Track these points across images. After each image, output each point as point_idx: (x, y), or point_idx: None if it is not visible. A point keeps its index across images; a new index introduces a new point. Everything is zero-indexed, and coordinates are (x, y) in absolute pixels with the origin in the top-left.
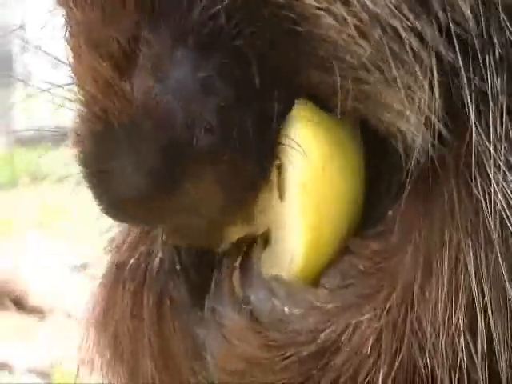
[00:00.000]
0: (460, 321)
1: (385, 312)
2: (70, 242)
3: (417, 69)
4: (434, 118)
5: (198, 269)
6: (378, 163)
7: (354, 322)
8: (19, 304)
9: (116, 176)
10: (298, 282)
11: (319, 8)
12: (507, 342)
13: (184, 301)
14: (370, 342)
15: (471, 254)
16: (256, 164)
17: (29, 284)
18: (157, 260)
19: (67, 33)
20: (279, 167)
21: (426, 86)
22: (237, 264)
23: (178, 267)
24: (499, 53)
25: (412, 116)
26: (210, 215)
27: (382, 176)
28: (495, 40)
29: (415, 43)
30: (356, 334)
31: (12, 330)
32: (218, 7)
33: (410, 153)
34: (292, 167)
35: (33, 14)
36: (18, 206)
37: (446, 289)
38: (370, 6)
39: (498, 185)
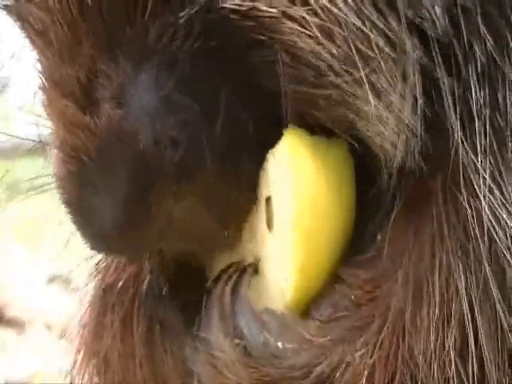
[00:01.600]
0: (451, 347)
1: (377, 346)
2: (49, 254)
3: (385, 68)
4: (411, 122)
5: (188, 292)
6: (366, 184)
7: (347, 358)
8: None
9: (95, 212)
10: (289, 314)
11: (276, 13)
12: (498, 365)
13: (174, 325)
14: (364, 377)
15: (462, 276)
16: (232, 175)
17: (8, 296)
18: (145, 283)
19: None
20: (268, 199)
21: (399, 88)
22: (227, 293)
23: (164, 291)
24: (481, 64)
25: (388, 120)
26: (193, 235)
27: (371, 197)
28: (476, 50)
29: (381, 41)
30: (349, 370)
31: None
32: (173, 28)
33: (390, 163)
34: (281, 200)
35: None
36: None
37: (436, 314)
38: (329, 5)
39: (484, 199)
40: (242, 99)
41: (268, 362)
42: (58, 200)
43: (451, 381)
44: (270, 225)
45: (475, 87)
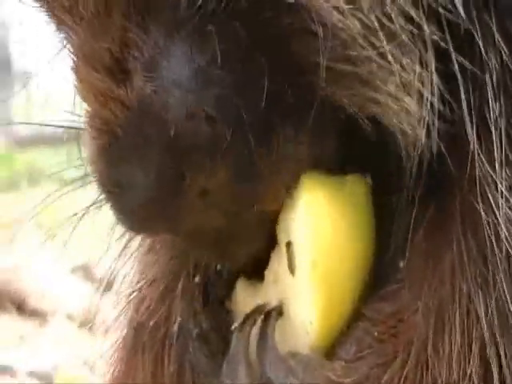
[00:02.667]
0: (474, 374)
1: (402, 381)
2: (71, 244)
3: (407, 46)
4: (433, 100)
5: (216, 334)
6: (386, 214)
7: None
8: (20, 307)
9: (128, 186)
10: (314, 356)
11: None
12: None
13: (203, 368)
14: None
15: (481, 304)
16: (265, 150)
17: (30, 287)
18: (176, 324)
19: (68, 50)
20: (288, 244)
21: (418, 69)
22: (253, 339)
23: (195, 332)
24: (496, 74)
25: (411, 101)
26: (225, 210)
27: (391, 224)
28: (492, 60)
29: (401, 20)
30: None
31: (13, 334)
32: None
33: (411, 150)
34: (301, 245)
35: (31, 12)
36: (18, 208)
37: (458, 343)
38: None
39: (501, 212)
40: (278, 71)
41: None
42: (80, 190)
43: None
44: (291, 269)
45: (491, 97)
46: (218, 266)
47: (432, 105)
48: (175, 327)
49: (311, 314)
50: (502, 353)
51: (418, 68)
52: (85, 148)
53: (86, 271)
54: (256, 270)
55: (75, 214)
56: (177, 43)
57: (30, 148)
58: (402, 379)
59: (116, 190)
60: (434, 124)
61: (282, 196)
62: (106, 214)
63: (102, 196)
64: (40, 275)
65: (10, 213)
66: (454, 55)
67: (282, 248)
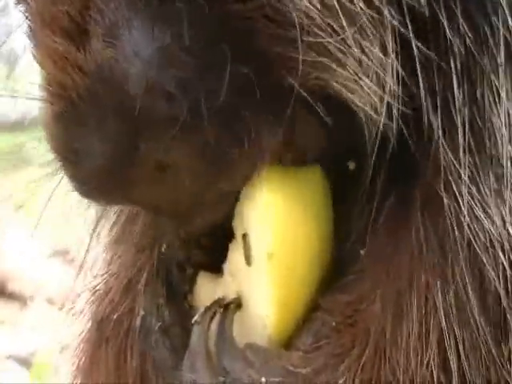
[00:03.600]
0: (432, 361)
1: (359, 370)
2: (51, 228)
3: (367, 29)
4: (392, 84)
5: (178, 327)
6: (348, 202)
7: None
8: (0, 291)
9: (83, 152)
10: (272, 348)
11: None
12: (482, 378)
13: (166, 361)
14: None
15: (439, 294)
16: (230, 137)
17: (10, 270)
18: (139, 318)
19: (25, 16)
20: (244, 236)
21: (380, 51)
22: (212, 331)
23: (158, 326)
24: (460, 59)
25: (370, 84)
26: (184, 186)
27: (352, 213)
28: (456, 47)
29: (361, 3)
30: None
31: None
32: None
33: (372, 131)
34: (256, 236)
35: None
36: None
37: (416, 332)
38: None
39: (463, 200)
40: (240, 57)
41: None
42: (61, 172)
43: None
44: (248, 260)
45: (455, 84)
46: (178, 258)
47: (391, 89)
48: (138, 321)
49: (268, 307)
50: (460, 342)
51: (378, 52)
52: (42, 116)
53: (65, 255)
54: (215, 264)
55: (55, 198)
56: (141, 15)
57: (13, 131)
58: (360, 368)
59: (71, 156)
60: (394, 107)
61: (242, 182)
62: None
63: (58, 164)
64: (20, 259)
65: None
66: (413, 41)
67: (238, 240)
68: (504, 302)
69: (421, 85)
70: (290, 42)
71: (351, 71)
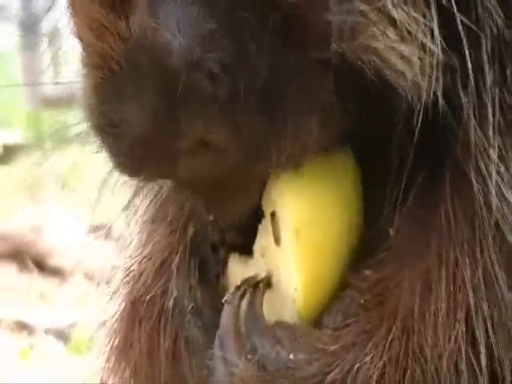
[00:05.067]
0: (460, 337)
1: (387, 347)
2: (91, 204)
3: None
4: (435, 50)
5: (210, 308)
6: (377, 183)
7: (357, 362)
8: (40, 266)
9: (121, 122)
10: (301, 324)
11: None
12: (510, 353)
13: (197, 341)
14: (374, 379)
15: (468, 270)
16: (271, 122)
17: (50, 246)
18: (172, 299)
19: None
20: (273, 214)
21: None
22: (241, 311)
23: (190, 306)
24: (491, 40)
25: (411, 51)
26: (224, 165)
27: (381, 192)
28: (488, 28)
29: None
30: (360, 374)
31: (33, 292)
32: None
33: (415, 101)
34: (284, 213)
35: None
36: (40, 167)
37: (444, 308)
38: None
39: (492, 180)
40: (282, 43)
41: (281, 374)
42: (100, 150)
43: (462, 371)
44: (276, 239)
45: (486, 64)
46: (212, 238)
47: (433, 55)
48: (171, 302)
49: (296, 279)
50: (488, 318)
51: (419, 18)
52: (81, 87)
53: (105, 231)
54: (249, 246)
55: (98, 174)
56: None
57: (57, 108)
58: (388, 345)
59: (109, 127)
60: (435, 76)
61: (278, 166)
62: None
63: (96, 136)
64: (61, 234)
65: (33, 173)
66: (456, 14)
67: (267, 219)
68: None
69: (455, 62)
70: (326, 14)
71: (393, 38)
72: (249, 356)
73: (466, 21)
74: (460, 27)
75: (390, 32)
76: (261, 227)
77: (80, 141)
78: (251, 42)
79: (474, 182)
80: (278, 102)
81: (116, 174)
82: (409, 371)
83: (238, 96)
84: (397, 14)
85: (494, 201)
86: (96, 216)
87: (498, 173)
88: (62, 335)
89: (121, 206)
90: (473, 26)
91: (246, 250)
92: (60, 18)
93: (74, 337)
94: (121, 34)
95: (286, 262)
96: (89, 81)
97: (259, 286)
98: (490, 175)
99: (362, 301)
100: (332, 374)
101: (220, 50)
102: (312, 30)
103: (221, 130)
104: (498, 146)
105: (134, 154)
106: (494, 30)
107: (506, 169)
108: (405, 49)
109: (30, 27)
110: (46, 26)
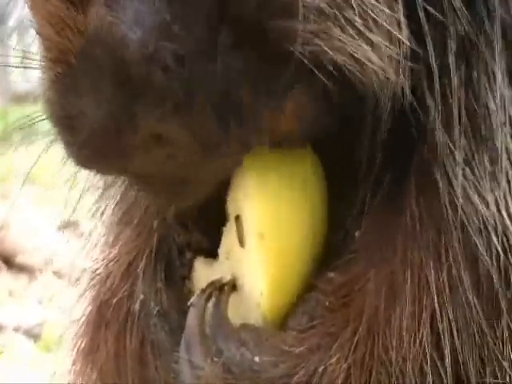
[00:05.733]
0: (425, 340)
1: (352, 349)
2: (59, 200)
3: None
4: (402, 37)
5: (176, 311)
6: (341, 186)
7: (322, 364)
8: (9, 263)
9: (78, 117)
10: (266, 327)
11: None
12: (475, 356)
13: (164, 344)
14: (339, 381)
15: (433, 273)
16: (218, 112)
17: (19, 243)
18: (138, 302)
19: None
20: (237, 217)
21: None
22: (207, 313)
23: (156, 309)
24: (458, 41)
25: (379, 39)
26: (178, 159)
27: (347, 196)
28: (452, 28)
29: None
30: (325, 376)
31: (2, 290)
32: None
33: (383, 92)
34: (248, 217)
35: None
36: (9, 163)
37: (409, 310)
38: None
39: (458, 183)
40: (239, 35)
41: (246, 376)
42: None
43: (428, 376)
44: (241, 242)
45: (452, 66)
46: (178, 241)
47: (400, 44)
48: (137, 305)
49: (261, 284)
50: (452, 321)
51: (385, 9)
52: (41, 81)
53: (74, 228)
54: (215, 249)
55: (66, 170)
56: None
57: (25, 103)
58: (353, 347)
59: (66, 121)
60: (403, 63)
61: (234, 163)
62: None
63: (53, 129)
64: (29, 231)
65: (2, 168)
66: (421, 14)
67: (231, 222)
68: (496, 285)
69: (421, 63)
70: (288, 9)
71: (358, 30)
72: (214, 359)
73: (431, 18)
74: (425, 27)
75: (355, 23)
76: (225, 230)
77: (48, 136)
78: (208, 35)
79: (440, 184)
80: (232, 95)
81: (86, 172)
82: (374, 373)
83: (192, 90)
84: (358, 6)
85: (460, 203)
86: (66, 213)
87: (464, 175)
88: (32, 333)
89: (90, 203)
90: (441, 19)
91: (211, 253)
92: (28, 13)
93: (43, 335)
94: (79, 27)
95: (251, 265)
96: (47, 75)
97: (224, 288)
98: (456, 177)
99: (327, 303)
100: (297, 376)
101: (175, 42)
102: (272, 29)
103: (174, 124)
104: (464, 149)
105: (89, 146)
106: (460, 31)
107: (472, 171)
108: (372, 38)
109: None
110: (13, 20)
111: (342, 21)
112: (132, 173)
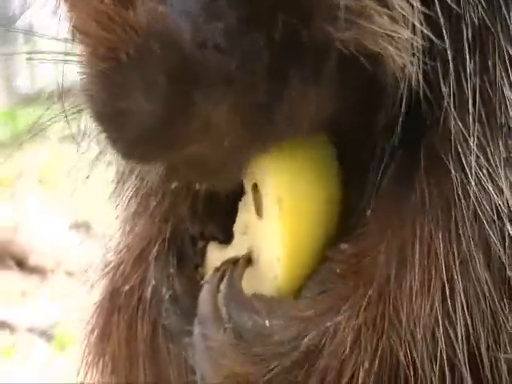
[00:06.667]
0: (436, 307)
1: (362, 309)
2: (71, 201)
3: None
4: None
5: (189, 296)
6: (353, 163)
7: (332, 323)
8: (21, 264)
9: (129, 112)
10: (278, 295)
11: None
12: (487, 327)
13: (175, 328)
14: (349, 340)
15: (442, 245)
16: (268, 89)
17: (31, 243)
18: (149, 288)
19: None
20: (255, 186)
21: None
22: (221, 286)
23: (168, 294)
24: (473, 29)
25: (399, 28)
26: (225, 142)
27: (361, 174)
28: (468, 14)
29: None
30: (336, 336)
31: (14, 290)
32: None
33: (399, 76)
34: (267, 183)
35: None
36: (19, 165)
37: (419, 279)
38: None
39: (471, 170)
40: (284, 9)
41: (257, 340)
42: (81, 146)
43: (439, 340)
44: (259, 211)
45: (467, 53)
46: (191, 231)
47: (416, 33)
48: (149, 291)
49: (278, 249)
50: (462, 292)
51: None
52: (81, 77)
53: (86, 228)
54: (228, 240)
55: (76, 170)
56: None
57: (32, 105)
58: (363, 307)
59: (114, 116)
60: (419, 52)
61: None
62: (107, 170)
63: (98, 125)
64: (41, 231)
65: (12, 170)
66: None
67: (248, 194)
68: (510, 273)
69: (434, 50)
70: None
71: (387, 21)
72: (226, 328)
73: (445, 5)
74: (439, 13)
75: (384, 14)
76: (241, 204)
77: (58, 137)
78: (252, 8)
79: (453, 171)
80: (279, 75)
81: (96, 170)
82: (385, 336)
83: (245, 67)
84: None
85: (473, 191)
86: (76, 213)
87: (478, 163)
88: (45, 333)
89: (101, 203)
90: (455, 8)
91: (224, 243)
92: (35, 15)
93: (56, 335)
94: (130, 23)
95: (268, 233)
96: (92, 71)
97: (239, 262)
98: (470, 165)
99: (338, 270)
100: (307, 338)
101: (223, 20)
102: (316, 10)
103: (228, 107)
104: (478, 136)
105: (141, 143)
106: (475, 18)
107: (486, 158)
108: (396, 30)
109: (4, 24)
110: (21, 22)
111: (379, 7)
112: (178, 160)
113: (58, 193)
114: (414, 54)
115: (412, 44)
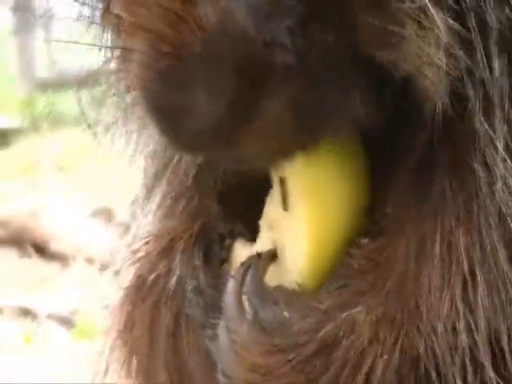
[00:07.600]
0: (457, 299)
1: (380, 303)
2: (92, 187)
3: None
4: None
5: (213, 289)
6: (377, 159)
7: (350, 316)
8: (41, 251)
9: (191, 109)
10: (299, 288)
11: None
12: (508, 319)
13: (198, 319)
14: (367, 333)
15: (462, 239)
16: (334, 88)
17: (51, 230)
18: (174, 278)
19: None
20: (282, 180)
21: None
22: (246, 280)
23: (193, 285)
24: (497, 32)
25: (429, 44)
26: (281, 139)
27: (382, 171)
28: (493, 16)
29: None
30: (354, 328)
31: (34, 277)
32: None
33: (430, 92)
34: (294, 176)
35: None
36: (39, 151)
37: (439, 272)
38: None
39: (497, 170)
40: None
41: (277, 331)
42: (101, 133)
43: (461, 334)
44: (285, 204)
45: (493, 55)
46: (221, 229)
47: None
48: (174, 281)
49: (303, 243)
50: (483, 286)
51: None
52: (132, 74)
53: (107, 214)
54: (254, 239)
55: (98, 158)
56: None
57: (52, 91)
58: (382, 301)
59: (173, 112)
60: (448, 66)
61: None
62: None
63: (154, 120)
64: (61, 219)
65: (33, 157)
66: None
67: (275, 188)
68: None
69: (460, 53)
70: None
71: (425, 40)
72: (249, 321)
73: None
74: (467, 15)
75: (423, 36)
76: (268, 199)
77: (77, 124)
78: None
79: (478, 172)
80: (331, 75)
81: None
82: (404, 328)
83: (304, 60)
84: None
85: (498, 189)
86: (97, 199)
87: (505, 165)
88: (65, 320)
89: (123, 190)
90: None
91: (252, 241)
92: (54, 1)
93: (77, 322)
94: (198, 20)
95: (294, 226)
96: (151, 67)
97: (264, 256)
98: (497, 167)
99: (356, 265)
100: (325, 330)
101: (287, 17)
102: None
103: (288, 104)
104: (505, 138)
105: (200, 140)
106: (503, 20)
107: None
108: (432, 50)
109: (24, 10)
110: (39, 8)
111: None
112: (235, 158)
113: (79, 180)
114: (447, 73)
115: (445, 64)
